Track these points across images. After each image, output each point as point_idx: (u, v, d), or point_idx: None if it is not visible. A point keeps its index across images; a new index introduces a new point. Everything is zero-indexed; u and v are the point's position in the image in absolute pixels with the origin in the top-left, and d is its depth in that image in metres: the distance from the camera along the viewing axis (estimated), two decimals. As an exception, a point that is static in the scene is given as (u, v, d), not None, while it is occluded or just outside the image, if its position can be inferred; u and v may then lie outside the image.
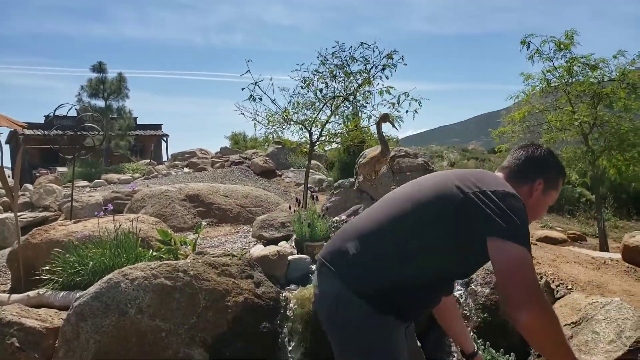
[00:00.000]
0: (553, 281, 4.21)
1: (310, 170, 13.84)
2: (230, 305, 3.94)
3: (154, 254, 4.70)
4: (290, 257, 4.60)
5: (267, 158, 16.15)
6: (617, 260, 4.58)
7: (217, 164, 17.05)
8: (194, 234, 5.26)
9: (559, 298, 4.04)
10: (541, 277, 4.33)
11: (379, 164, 5.87)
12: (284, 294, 4.23)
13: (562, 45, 7.82)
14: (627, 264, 4.47)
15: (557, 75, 8.29)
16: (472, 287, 4.27)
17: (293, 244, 5.00)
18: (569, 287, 4.12)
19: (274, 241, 5.27)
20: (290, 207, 5.84)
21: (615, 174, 8.53)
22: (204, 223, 5.52)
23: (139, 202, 7.61)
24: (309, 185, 9.40)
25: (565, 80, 8.29)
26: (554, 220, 12.88)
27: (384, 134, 6.01)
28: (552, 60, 8.26)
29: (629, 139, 8.16)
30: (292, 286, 4.35)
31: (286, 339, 3.99)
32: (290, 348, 3.97)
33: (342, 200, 8.96)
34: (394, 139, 15.43)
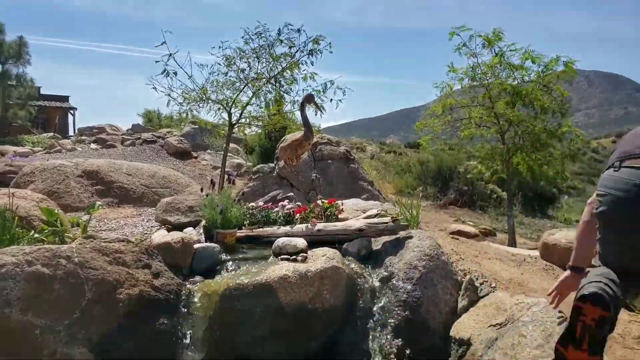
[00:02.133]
0: (477, 279, 4.07)
1: (229, 154, 13.24)
2: (122, 299, 3.40)
3: (36, 235, 4.02)
4: (196, 246, 4.11)
5: (182, 138, 15.30)
6: (536, 258, 4.55)
7: (128, 142, 15.93)
8: (87, 214, 4.60)
9: (483, 297, 3.90)
10: (465, 274, 4.18)
11: (301, 148, 5.50)
12: (187, 286, 3.75)
13: (488, 42, 7.85)
14: (545, 262, 4.45)
15: (481, 71, 8.33)
16: (394, 282, 4.02)
17: (201, 230, 4.51)
18: (493, 285, 3.98)
19: (180, 227, 4.75)
20: (202, 190, 5.31)
21: (527, 173, 8.75)
22: (99, 203, 4.85)
23: (28, 177, 6.71)
24: (227, 169, 8.86)
25: (487, 78, 8.36)
26: (466, 215, 13.23)
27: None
28: (476, 57, 8.30)
29: (541, 139, 8.38)
30: (197, 278, 3.88)
31: (187, 338, 3.52)
32: (190, 349, 3.51)
33: (260, 186, 8.53)
34: (316, 127, 15.18)
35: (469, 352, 3.47)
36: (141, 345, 3.38)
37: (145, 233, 4.76)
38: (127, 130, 19.54)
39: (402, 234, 4.48)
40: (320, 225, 4.59)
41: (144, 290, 3.52)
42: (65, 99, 34.25)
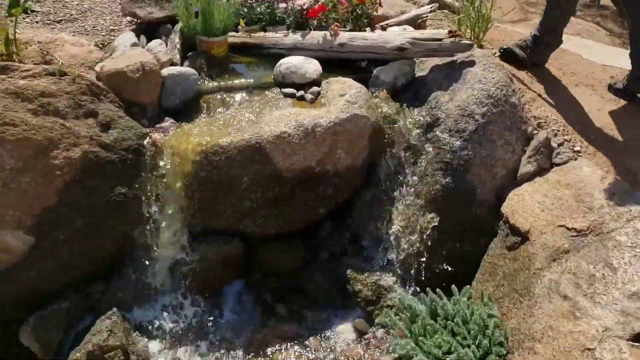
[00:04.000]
0: (556, 134, 2.92)
1: None
2: (58, 165, 2.48)
3: None
4: (165, 72, 2.94)
5: None
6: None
7: None
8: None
9: (560, 164, 2.83)
10: (539, 125, 3.00)
11: None
12: (151, 137, 2.75)
13: None
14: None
15: None
16: (437, 133, 2.92)
17: (176, 41, 3.23)
18: (577, 147, 2.85)
19: (153, 24, 3.47)
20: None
21: None
22: None
23: None
24: None
25: None
26: None
27: None
28: None
29: None
30: (167, 122, 2.84)
31: (153, 212, 2.70)
32: (158, 226, 2.72)
33: None
34: None
35: (522, 249, 2.59)
36: (92, 225, 2.60)
37: (107, 35, 3.52)
38: None
39: (459, 57, 3.14)
40: (344, 37, 3.24)
41: (89, 150, 2.55)
42: None
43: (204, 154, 2.61)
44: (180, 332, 2.72)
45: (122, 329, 2.54)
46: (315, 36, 3.30)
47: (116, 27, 3.74)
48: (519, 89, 3.16)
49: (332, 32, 3.26)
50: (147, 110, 2.91)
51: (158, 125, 2.84)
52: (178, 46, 3.22)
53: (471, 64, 3.07)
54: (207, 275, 2.82)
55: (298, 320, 2.84)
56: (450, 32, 3.12)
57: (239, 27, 3.52)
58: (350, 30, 3.36)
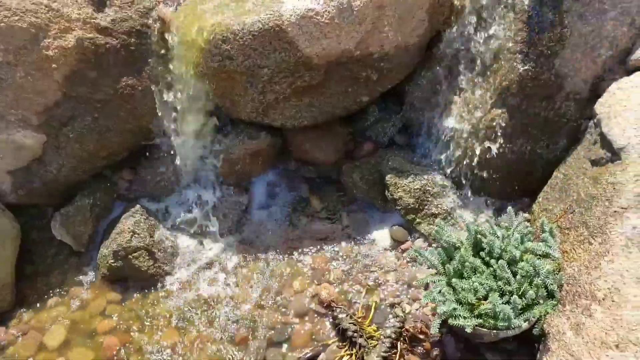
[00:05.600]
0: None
1: None
2: (52, 56, 2.16)
3: None
4: None
5: None
6: None
7: None
8: None
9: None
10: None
11: None
12: (152, 15, 2.27)
13: None
14: None
15: None
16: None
17: None
18: None
19: None
20: None
21: None
22: None
23: None
24: None
25: None
26: None
27: None
28: None
29: None
30: (174, -8, 2.31)
31: (167, 95, 2.37)
32: (172, 111, 2.40)
33: None
34: None
35: (608, 170, 2.00)
36: (103, 119, 2.35)
37: None
38: None
39: None
40: None
41: (83, 37, 2.17)
42: None
43: (212, 42, 2.14)
44: (209, 226, 2.61)
45: (146, 227, 2.46)
46: None
47: None
48: None
49: None
50: (152, -25, 2.38)
51: (165, -3, 2.34)
52: None
53: None
54: (236, 166, 2.56)
55: (332, 219, 2.59)
56: None
57: None
58: None
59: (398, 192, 2.42)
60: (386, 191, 2.46)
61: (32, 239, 2.62)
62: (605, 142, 2.06)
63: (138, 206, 2.49)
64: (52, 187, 2.49)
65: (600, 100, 2.16)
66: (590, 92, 2.26)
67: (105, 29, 2.21)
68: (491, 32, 2.25)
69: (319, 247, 2.52)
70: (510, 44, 2.20)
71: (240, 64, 2.18)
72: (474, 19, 2.30)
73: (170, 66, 2.30)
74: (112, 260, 2.38)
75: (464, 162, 2.44)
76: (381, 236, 2.50)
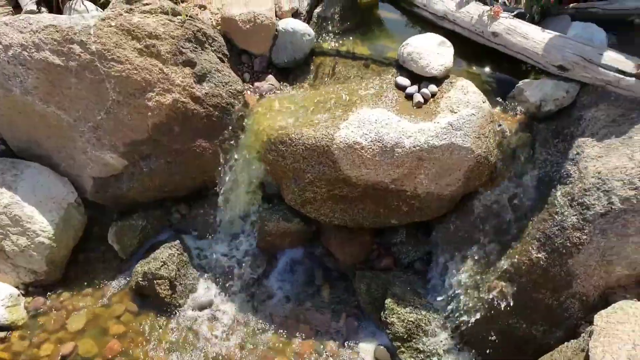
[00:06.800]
0: None
1: None
2: (150, 107, 2.63)
3: None
4: (280, 26, 2.70)
5: None
6: None
7: None
8: None
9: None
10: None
11: None
12: (239, 98, 2.67)
13: None
14: None
15: None
16: (557, 193, 2.27)
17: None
18: None
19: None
20: None
21: None
22: None
23: None
24: None
25: None
26: None
27: None
28: None
29: None
30: (267, 82, 2.69)
31: (227, 170, 2.76)
32: (231, 178, 2.78)
33: None
34: None
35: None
36: (172, 164, 2.78)
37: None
38: None
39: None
40: (501, 25, 2.50)
41: (179, 100, 2.62)
42: None
43: (273, 141, 2.49)
44: (229, 276, 2.95)
45: (177, 261, 2.85)
46: (472, 11, 2.61)
47: None
48: None
49: (491, 13, 2.53)
50: (255, 62, 2.79)
51: (257, 84, 2.74)
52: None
53: (654, 119, 2.16)
54: (267, 237, 2.89)
55: (332, 315, 2.82)
56: (640, 66, 2.17)
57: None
58: (523, 13, 2.56)
59: (392, 317, 2.60)
60: (382, 312, 2.64)
61: (94, 232, 3.13)
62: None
63: (177, 242, 2.90)
64: (120, 199, 2.97)
65: (601, 312, 2.20)
66: (599, 298, 2.30)
67: (198, 98, 2.65)
68: (519, 212, 2.38)
69: (311, 335, 2.76)
70: (532, 229, 2.32)
71: (289, 164, 2.52)
72: (511, 190, 2.44)
73: (240, 142, 2.68)
74: (140, 279, 2.80)
75: (463, 314, 2.56)
76: (366, 350, 2.69)
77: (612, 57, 2.25)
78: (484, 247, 2.50)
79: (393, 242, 2.87)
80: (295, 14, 2.79)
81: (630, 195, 2.11)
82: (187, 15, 2.63)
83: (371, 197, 2.57)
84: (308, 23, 2.85)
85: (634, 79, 2.16)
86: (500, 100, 2.55)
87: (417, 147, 2.31)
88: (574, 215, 2.21)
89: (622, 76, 2.19)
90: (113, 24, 2.57)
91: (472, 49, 2.69)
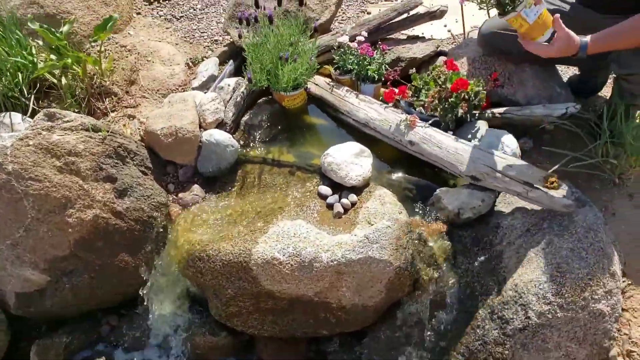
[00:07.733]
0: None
1: None
2: (71, 223, 2.58)
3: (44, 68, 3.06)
4: (204, 137, 2.72)
5: None
6: None
7: None
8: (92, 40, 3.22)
9: None
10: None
11: None
12: (162, 210, 2.65)
13: None
14: None
15: None
16: (478, 305, 2.23)
17: (242, 89, 2.90)
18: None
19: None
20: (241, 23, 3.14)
21: None
22: (115, 15, 3.10)
23: None
24: None
25: None
26: None
27: None
28: None
29: None
30: (192, 192, 2.68)
31: (148, 277, 2.68)
32: (156, 291, 2.71)
33: None
34: None
35: None
36: (97, 281, 2.70)
37: (203, 50, 3.32)
38: None
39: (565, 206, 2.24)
40: (417, 134, 2.55)
41: (100, 216, 2.59)
42: None
43: (191, 257, 2.45)
44: (157, 396, 2.81)
45: (103, 380, 2.72)
46: (391, 119, 2.66)
47: (220, 38, 3.56)
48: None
49: (408, 122, 2.59)
50: (180, 172, 2.79)
51: (181, 195, 2.72)
52: (239, 97, 2.92)
53: (560, 233, 2.18)
54: (197, 350, 2.77)
55: None
56: (547, 178, 2.21)
57: (331, 73, 3.04)
58: (438, 122, 2.62)
59: None
60: None
61: (21, 347, 2.99)
62: None
63: (104, 358, 2.77)
64: (45, 314, 2.85)
65: None
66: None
67: (119, 212, 2.61)
68: (441, 325, 2.33)
69: None
70: (455, 343, 2.26)
71: (209, 281, 2.45)
72: (434, 301, 2.40)
73: (162, 255, 2.63)
74: (61, 402, 2.65)
75: None
76: None
77: (521, 170, 2.29)
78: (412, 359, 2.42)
79: (328, 351, 2.77)
80: (221, 124, 2.82)
81: (544, 310, 2.08)
82: (107, 131, 2.64)
83: (298, 308, 2.50)
84: (235, 132, 2.89)
85: (540, 191, 2.19)
86: (422, 206, 2.56)
87: (335, 262, 2.28)
88: (495, 329, 2.17)
89: (530, 188, 2.22)
90: (31, 143, 2.57)
91: (395, 154, 2.73)
